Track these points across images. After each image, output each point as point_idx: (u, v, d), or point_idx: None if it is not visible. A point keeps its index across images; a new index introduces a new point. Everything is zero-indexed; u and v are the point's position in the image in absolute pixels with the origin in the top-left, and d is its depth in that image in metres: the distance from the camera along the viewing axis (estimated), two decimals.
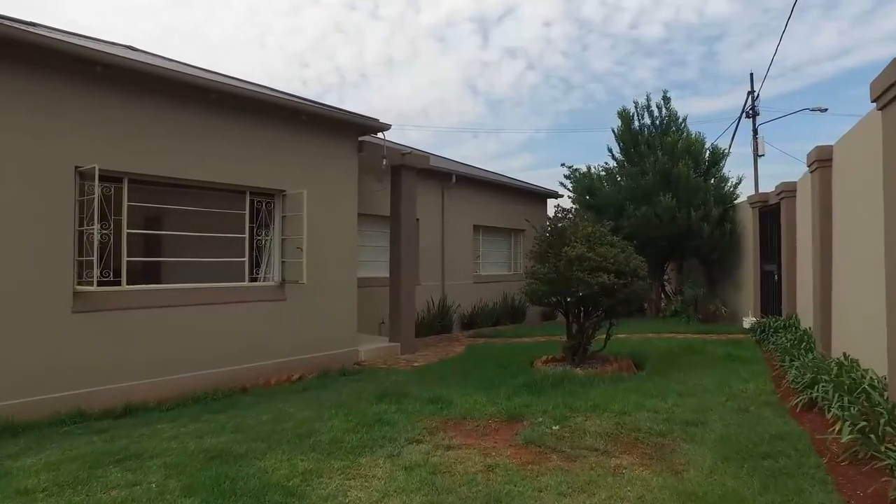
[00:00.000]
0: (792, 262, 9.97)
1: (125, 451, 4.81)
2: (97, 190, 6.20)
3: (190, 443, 5.01)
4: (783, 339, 8.63)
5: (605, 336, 8.32)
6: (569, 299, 7.63)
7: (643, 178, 14.86)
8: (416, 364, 9.37)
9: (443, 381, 7.48)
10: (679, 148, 14.63)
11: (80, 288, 6.43)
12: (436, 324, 13.32)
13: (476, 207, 15.41)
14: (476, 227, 15.67)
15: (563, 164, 17.20)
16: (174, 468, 4.26)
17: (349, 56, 62.18)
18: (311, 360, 8.75)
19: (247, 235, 8.31)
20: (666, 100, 15.88)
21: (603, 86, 65.10)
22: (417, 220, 13.57)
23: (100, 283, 6.77)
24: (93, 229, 6.66)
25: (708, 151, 15.20)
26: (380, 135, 9.85)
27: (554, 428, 5.23)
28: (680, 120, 15.91)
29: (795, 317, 9.75)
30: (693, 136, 14.97)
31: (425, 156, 10.83)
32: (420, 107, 63.03)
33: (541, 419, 5.51)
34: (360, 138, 9.75)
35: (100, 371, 6.51)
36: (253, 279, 8.43)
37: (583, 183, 16.41)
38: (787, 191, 10.16)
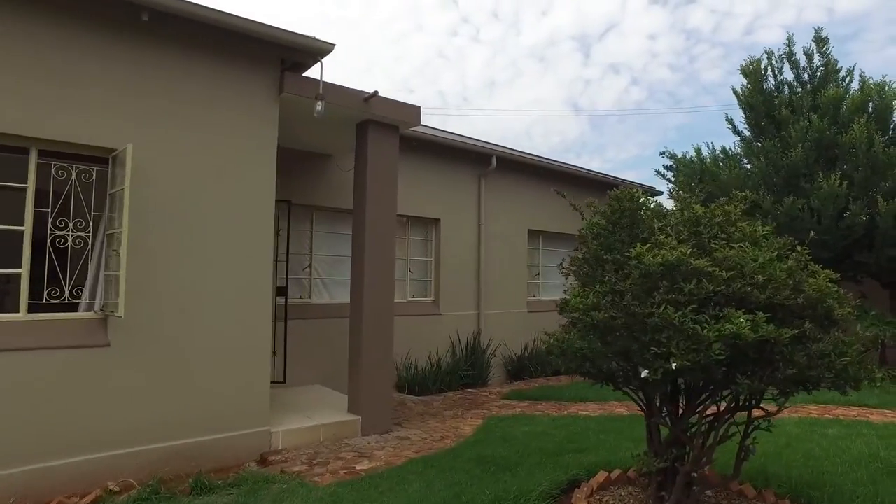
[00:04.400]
0: None
1: None
2: None
3: None
4: None
5: (738, 444, 3.60)
6: (646, 374, 3.01)
7: (786, 153, 9.66)
8: (361, 467, 5.07)
9: None
10: (849, 104, 9.31)
11: None
12: (459, 373, 8.92)
13: (532, 206, 10.86)
14: (533, 234, 11.14)
15: (662, 153, 12.27)
16: None
17: (452, 80, 63.17)
18: (163, 453, 4.76)
19: (26, 228, 4.51)
20: (820, 41, 10.58)
21: (713, 97, 60.88)
22: (438, 220, 9.39)
23: None
24: None
25: None
26: (318, 76, 5.79)
27: None
28: (843, 72, 10.53)
29: None
30: (873, 82, 9.54)
31: (410, 107, 6.55)
32: (522, 127, 61.43)
33: None
34: (305, 74, 5.76)
35: None
36: (42, 308, 4.60)
37: (690, 170, 11.42)
38: None
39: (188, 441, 4.95)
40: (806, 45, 10.71)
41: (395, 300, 9.01)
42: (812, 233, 4.12)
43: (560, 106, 63.85)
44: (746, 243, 3.28)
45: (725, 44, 54.19)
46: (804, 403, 7.41)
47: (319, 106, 5.56)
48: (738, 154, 11.23)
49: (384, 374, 6.34)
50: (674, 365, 2.73)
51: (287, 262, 7.26)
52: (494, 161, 9.79)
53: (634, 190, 3.60)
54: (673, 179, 12.02)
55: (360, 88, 6.14)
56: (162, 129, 4.99)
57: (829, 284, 3.33)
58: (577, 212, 4.00)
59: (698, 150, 11.80)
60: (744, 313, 2.94)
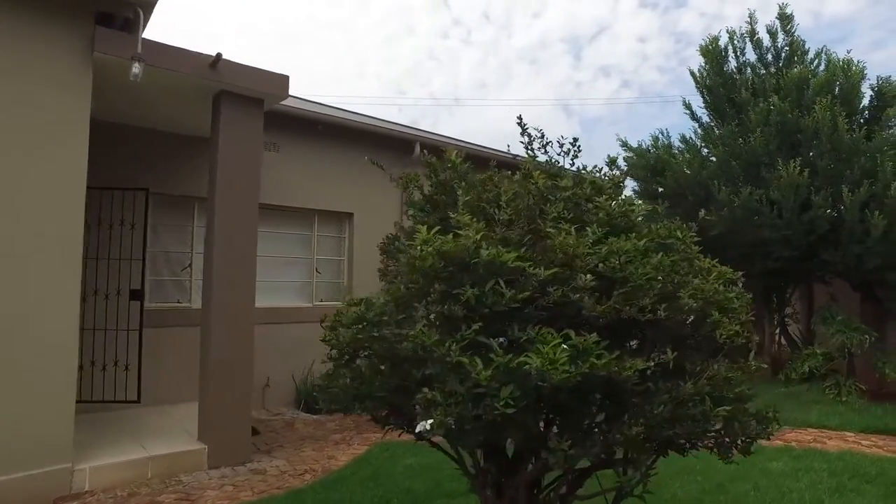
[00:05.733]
0: None
1: None
2: None
3: None
4: None
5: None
6: (420, 428, 1.93)
7: (745, 139, 8.65)
8: None
9: None
10: (815, 84, 8.31)
11: None
12: None
13: None
14: None
15: (623, 146, 11.11)
16: None
17: (443, 82, 62.94)
18: None
19: None
20: (784, 19, 9.59)
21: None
22: (351, 214, 8.32)
23: None
24: None
25: (871, 91, 8.66)
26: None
27: None
28: (810, 53, 9.54)
29: None
30: (840, 61, 8.54)
31: (274, 76, 5.36)
32: (514, 129, 61.58)
33: None
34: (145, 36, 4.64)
35: None
36: None
37: (645, 159, 10.38)
38: None
39: None
40: (770, 22, 9.72)
41: (299, 304, 7.99)
42: (703, 212, 3.05)
43: (551, 107, 63.73)
44: (597, 227, 2.20)
45: None
46: None
47: (136, 68, 4.44)
48: (696, 143, 10.20)
49: (240, 394, 5.23)
50: (428, 424, 1.66)
51: (144, 260, 6.12)
52: (418, 148, 8.70)
53: (452, 153, 2.54)
54: (629, 171, 10.97)
55: (205, 52, 5.03)
56: None
57: (721, 289, 2.27)
58: (398, 187, 2.94)
59: (655, 140, 10.77)
60: (577, 332, 1.88)
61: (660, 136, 10.57)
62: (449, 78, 63.96)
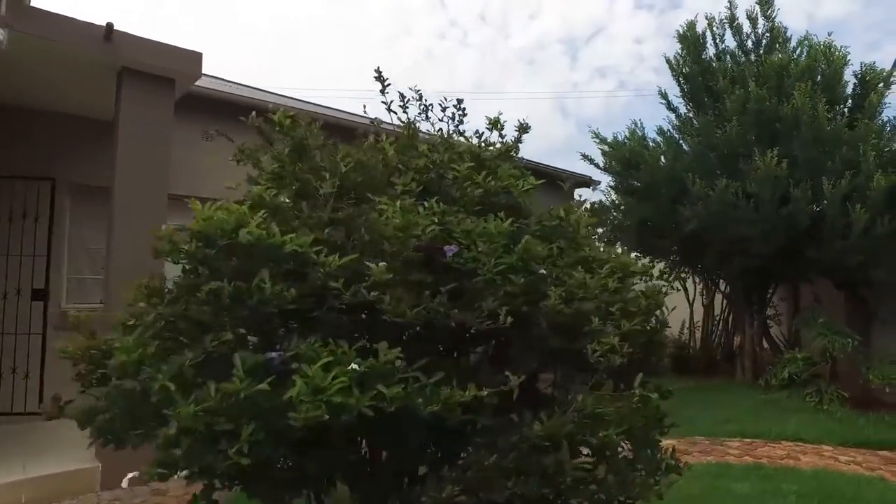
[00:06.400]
0: None
1: None
2: None
3: None
4: None
5: None
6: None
7: (721, 129, 8.11)
8: None
9: None
10: (796, 70, 7.77)
11: None
12: None
13: None
14: None
15: (596, 137, 10.43)
16: None
17: (441, 82, 62.72)
18: None
19: None
20: (764, 4, 9.05)
21: None
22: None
23: None
24: None
25: (855, 78, 8.12)
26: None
27: None
28: (793, 41, 9.00)
29: None
30: (821, 45, 8.00)
31: (183, 52, 4.73)
32: (508, 129, 62.33)
33: None
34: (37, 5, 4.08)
35: None
36: None
37: (620, 153, 9.82)
38: None
39: None
40: (749, 7, 9.18)
41: None
42: (603, 194, 2.50)
43: (548, 108, 63.48)
44: (442, 202, 1.66)
45: None
46: (726, 438, 5.88)
47: (1, 36, 3.89)
48: (673, 134, 9.65)
49: None
50: (126, 480, 1.10)
51: (48, 257, 5.57)
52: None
53: (279, 112, 1.99)
54: (603, 165, 10.40)
55: (98, 22, 4.47)
56: None
57: (613, 286, 1.72)
58: (233, 160, 2.40)
59: (632, 132, 10.20)
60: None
61: (636, 127, 10.00)
62: (447, 78, 63.82)
